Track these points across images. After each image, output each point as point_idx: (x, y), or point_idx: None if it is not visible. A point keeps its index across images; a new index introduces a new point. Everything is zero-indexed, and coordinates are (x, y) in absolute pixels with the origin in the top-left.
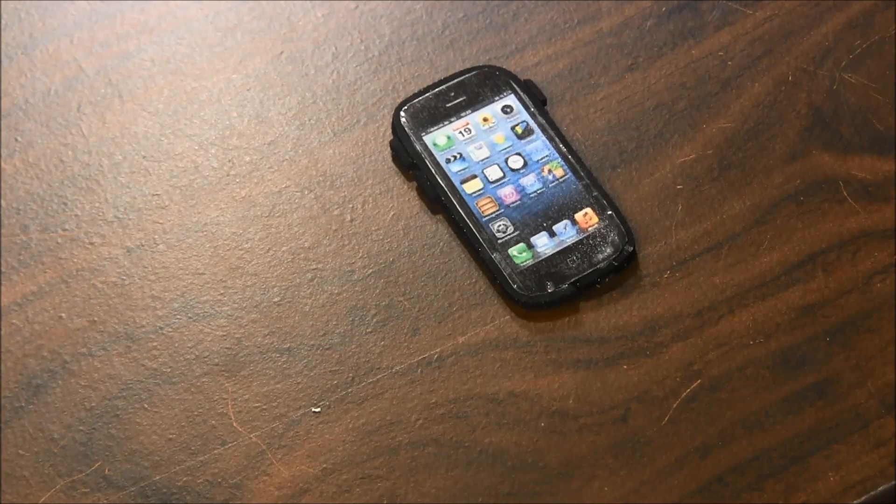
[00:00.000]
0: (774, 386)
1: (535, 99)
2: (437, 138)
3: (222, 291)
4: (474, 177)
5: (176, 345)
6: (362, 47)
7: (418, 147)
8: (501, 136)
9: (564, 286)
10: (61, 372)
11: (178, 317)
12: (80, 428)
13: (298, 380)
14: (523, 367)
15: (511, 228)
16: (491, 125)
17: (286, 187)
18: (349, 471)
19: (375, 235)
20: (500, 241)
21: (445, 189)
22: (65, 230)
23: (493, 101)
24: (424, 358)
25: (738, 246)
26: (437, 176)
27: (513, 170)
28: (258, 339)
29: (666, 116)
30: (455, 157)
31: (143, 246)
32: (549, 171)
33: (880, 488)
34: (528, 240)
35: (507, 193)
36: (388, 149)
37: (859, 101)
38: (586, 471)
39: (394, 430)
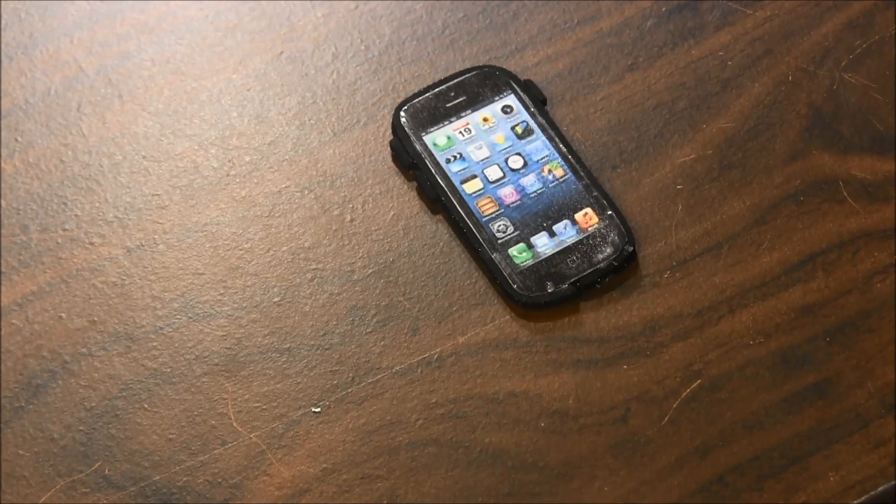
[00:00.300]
0: (774, 386)
1: (535, 99)
2: (437, 138)
3: (222, 291)
4: (474, 177)
5: (176, 345)
6: (362, 47)
7: (418, 147)
8: (501, 136)
9: (564, 286)
10: (61, 372)
11: (178, 317)
12: (80, 428)
13: (298, 380)
14: (523, 367)
15: (511, 228)
16: (491, 125)
17: (286, 187)
18: (349, 471)
19: (375, 235)
20: (500, 241)
21: (445, 189)
22: (65, 230)
23: (493, 101)
24: (424, 358)
25: (738, 246)
26: (437, 176)
27: (513, 170)
28: (258, 339)
29: (666, 116)
30: (455, 157)
31: (143, 246)
32: (549, 171)
33: (880, 488)
34: (528, 240)
35: (507, 193)
36: (388, 149)
37: (859, 101)
38: (586, 471)
39: (394, 430)
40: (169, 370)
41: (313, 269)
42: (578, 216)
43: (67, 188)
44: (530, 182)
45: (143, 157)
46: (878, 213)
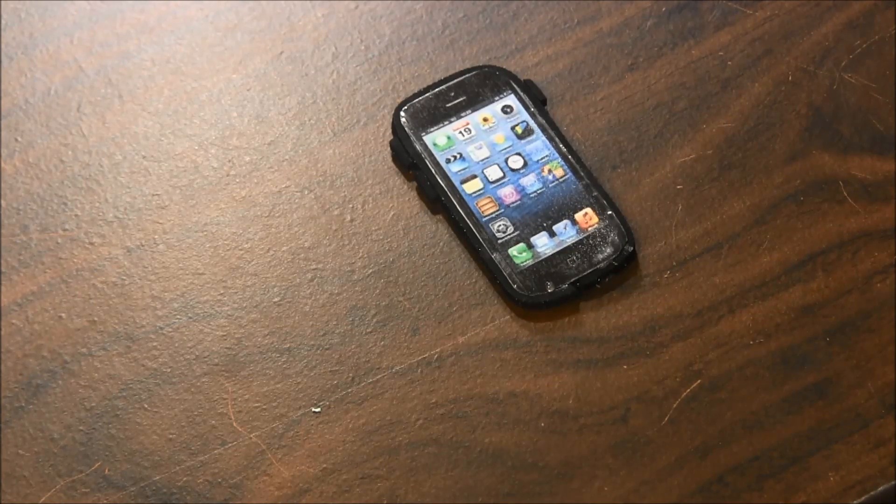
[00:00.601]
0: (774, 386)
1: (535, 99)
2: (437, 138)
3: (222, 291)
4: (474, 177)
5: (176, 345)
6: (362, 47)
7: (418, 147)
8: (501, 136)
9: (564, 286)
10: (61, 372)
11: (178, 317)
12: (80, 428)
13: (298, 380)
14: (523, 367)
15: (511, 228)
16: (491, 125)
17: (286, 187)
18: (349, 471)
19: (375, 235)
20: (500, 241)
21: (445, 189)
22: (65, 230)
23: (493, 101)
24: (424, 358)
25: (738, 246)
26: (437, 176)
27: (513, 170)
28: (258, 339)
29: (666, 116)
30: (455, 157)
31: (143, 246)
32: (549, 171)
33: (880, 488)
34: (528, 240)
35: (507, 193)
36: (388, 149)
37: (859, 101)
38: (586, 471)
39: (394, 430)
40: (169, 370)
41: (313, 269)
42: (578, 216)
43: (67, 188)
44: (530, 182)
45: (143, 157)
46: (878, 213)
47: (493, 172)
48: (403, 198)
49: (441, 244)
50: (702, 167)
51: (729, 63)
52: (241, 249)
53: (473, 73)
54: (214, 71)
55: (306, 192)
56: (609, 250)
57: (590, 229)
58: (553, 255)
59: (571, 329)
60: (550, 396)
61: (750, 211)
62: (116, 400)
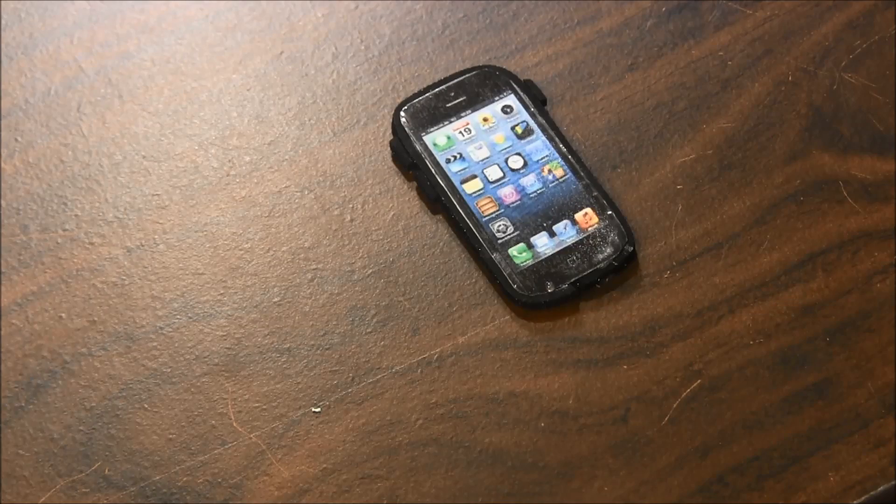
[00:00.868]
0: (774, 386)
1: (535, 99)
2: (437, 138)
3: (222, 291)
4: (474, 177)
5: (176, 345)
6: (362, 47)
7: (418, 147)
8: (501, 136)
9: (564, 286)
10: (61, 372)
11: (178, 317)
12: (80, 428)
13: (298, 380)
14: (523, 367)
15: (511, 228)
16: (491, 125)
17: (286, 187)
18: (349, 471)
19: (375, 235)
20: (500, 241)
21: (445, 189)
22: (65, 230)
23: (493, 101)
24: (424, 358)
25: (738, 246)
26: (437, 176)
27: (513, 170)
28: (258, 339)
29: (666, 116)
30: (455, 157)
31: (143, 246)
32: (549, 171)
33: (880, 488)
34: (528, 240)
35: (507, 193)
36: (388, 149)
37: (859, 101)
38: (586, 471)
39: (394, 430)
40: (169, 370)
41: (313, 269)
42: (578, 216)
43: (67, 188)
44: (530, 182)
45: (143, 157)
46: (878, 213)
47: (493, 172)
48: (403, 198)
49: (441, 244)
50: (702, 167)
51: (729, 63)
52: (241, 249)
53: (473, 73)
54: (214, 71)
55: (306, 192)
56: (609, 250)
57: (590, 229)
58: (553, 255)
59: (571, 329)
60: (550, 396)
61: (750, 211)
62: (116, 400)
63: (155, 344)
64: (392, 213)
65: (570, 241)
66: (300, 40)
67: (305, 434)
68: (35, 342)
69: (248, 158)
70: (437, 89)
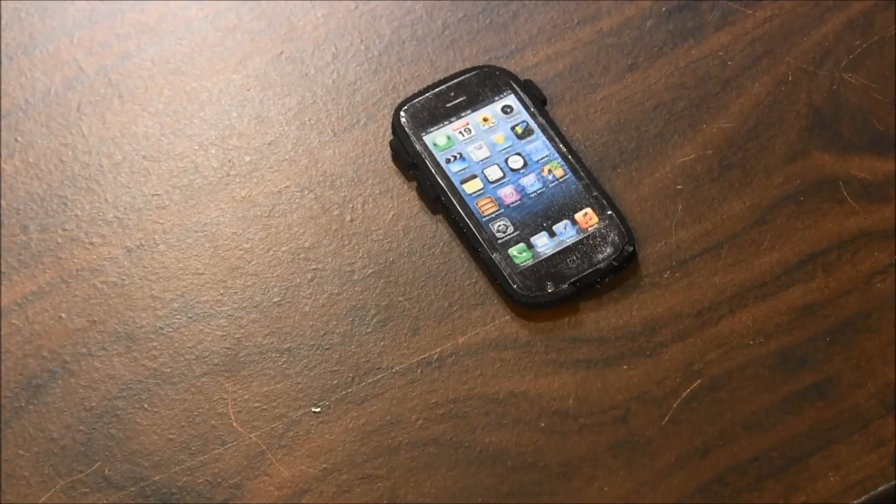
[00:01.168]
0: (774, 386)
1: (535, 99)
2: (437, 138)
3: (222, 291)
4: (474, 177)
5: (176, 345)
6: (362, 47)
7: (418, 147)
8: (501, 136)
9: (564, 286)
10: (61, 372)
11: (178, 317)
12: (80, 428)
13: (298, 380)
14: (523, 367)
15: (511, 228)
16: (491, 125)
17: (286, 187)
18: (349, 471)
19: (375, 235)
20: (500, 241)
21: (445, 189)
22: (65, 230)
23: (493, 101)
24: (424, 358)
25: (738, 246)
26: (437, 176)
27: (513, 170)
28: (258, 339)
29: (666, 116)
30: (455, 157)
31: (143, 246)
32: (549, 171)
33: (880, 488)
34: (528, 240)
35: (507, 193)
36: (388, 149)
37: (859, 101)
38: (586, 471)
39: (394, 430)
40: (169, 370)
41: (313, 269)
42: (578, 216)
43: (67, 188)
44: (530, 182)
45: (143, 157)
46: (878, 213)
47: (493, 172)
48: (403, 198)
49: (441, 244)
50: (702, 167)
51: (729, 63)
52: (241, 249)
53: (473, 73)
54: (214, 71)
55: (306, 192)
56: (609, 250)
57: (590, 229)
58: (553, 255)
59: (571, 329)
60: (550, 396)
61: (750, 211)
62: (116, 400)
63: (155, 344)
64: (392, 213)
65: (570, 241)
66: (300, 40)
67: (305, 434)
68: (35, 342)
69: (248, 158)
70: (437, 89)
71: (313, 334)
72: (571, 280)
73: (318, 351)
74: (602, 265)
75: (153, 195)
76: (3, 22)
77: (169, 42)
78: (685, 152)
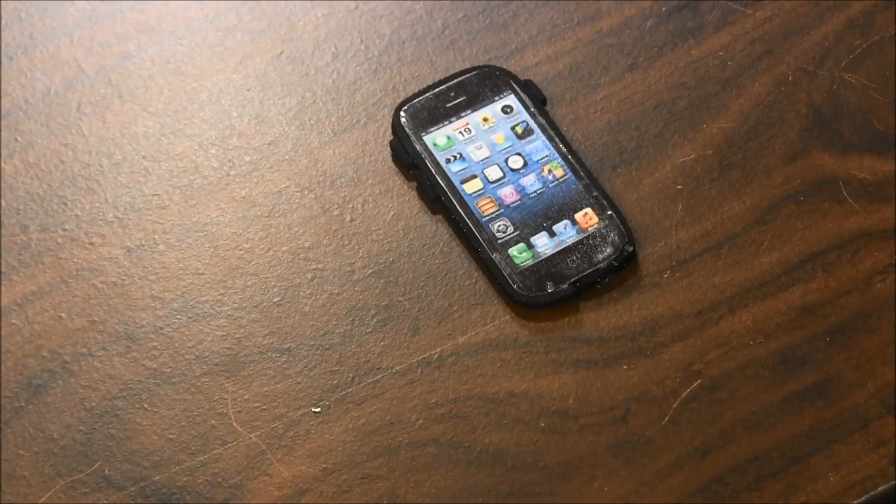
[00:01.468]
0: (774, 386)
1: (535, 99)
2: (437, 138)
3: (222, 291)
4: (474, 177)
5: (176, 345)
6: (362, 47)
7: (418, 147)
8: (501, 136)
9: (564, 286)
10: (61, 372)
11: (178, 317)
12: (80, 428)
13: (298, 380)
14: (523, 367)
15: (511, 228)
16: (491, 125)
17: (286, 187)
18: (349, 471)
19: (375, 235)
20: (500, 241)
21: (445, 189)
22: (65, 230)
23: (493, 101)
24: (424, 358)
25: (738, 246)
26: (437, 176)
27: (513, 170)
28: (258, 339)
29: (666, 116)
30: (455, 157)
31: (143, 246)
32: (549, 171)
33: (880, 488)
34: (528, 240)
35: (507, 193)
36: (388, 149)
37: (859, 101)
38: (586, 471)
39: (394, 430)
40: (169, 370)
41: (313, 269)
42: (578, 216)
43: (67, 188)
44: (530, 182)
45: (143, 157)
46: (878, 213)
47: (493, 172)
48: (403, 198)
49: (441, 244)
50: (702, 167)
51: (729, 63)
52: (241, 249)
53: (473, 73)
54: (214, 71)
55: (306, 192)
56: (609, 250)
57: (590, 229)
58: (553, 255)
59: (571, 329)
60: (550, 396)
61: (750, 211)
62: (116, 400)
63: (155, 344)
64: (392, 213)
65: (570, 241)
66: (300, 40)
67: (305, 434)
68: (35, 342)
69: (248, 158)
70: (437, 89)
71: (313, 334)
72: (571, 280)
73: (318, 351)
74: (602, 265)
75: (153, 195)
76: (3, 22)
77: (169, 42)
78: (685, 152)
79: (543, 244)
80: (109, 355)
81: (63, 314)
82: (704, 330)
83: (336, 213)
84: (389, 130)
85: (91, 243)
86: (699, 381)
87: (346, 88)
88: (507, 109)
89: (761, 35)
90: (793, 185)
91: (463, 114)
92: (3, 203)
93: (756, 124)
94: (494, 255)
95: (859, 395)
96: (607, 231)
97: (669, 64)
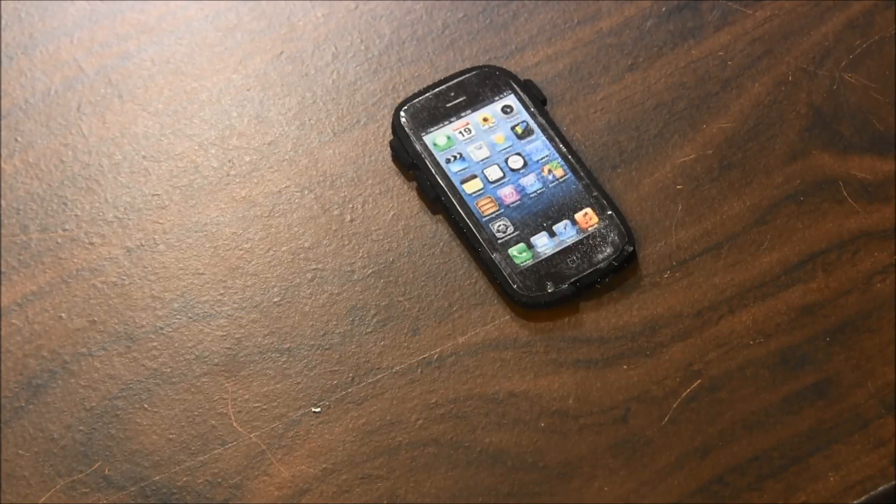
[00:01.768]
0: (774, 386)
1: (535, 99)
2: (437, 138)
3: (222, 291)
4: (474, 177)
5: (176, 345)
6: (362, 47)
7: (418, 147)
8: (501, 136)
9: (564, 286)
10: (61, 372)
11: (178, 317)
12: (80, 428)
13: (298, 380)
14: (523, 367)
15: (511, 228)
16: (491, 125)
17: (286, 187)
18: (349, 471)
19: (375, 235)
20: (500, 241)
21: (445, 189)
22: (65, 230)
23: (493, 101)
24: (424, 358)
25: (738, 246)
26: (437, 176)
27: (513, 170)
28: (258, 339)
29: (666, 116)
30: (455, 157)
31: (143, 246)
32: (549, 171)
33: (880, 488)
34: (528, 240)
35: (507, 193)
36: (388, 149)
37: (859, 101)
38: (586, 471)
39: (394, 430)
40: (169, 370)
41: (313, 269)
42: (578, 216)
43: (67, 188)
44: (530, 182)
45: (143, 157)
46: (878, 213)
47: (493, 172)
48: (403, 198)
49: (441, 244)
50: (702, 167)
51: (729, 63)
52: (241, 249)
53: (473, 73)
54: (214, 71)
55: (306, 192)
56: (609, 250)
57: (590, 229)
58: (553, 255)
59: (571, 329)
60: (550, 396)
61: (750, 211)
62: (116, 400)
63: (155, 344)
64: (392, 213)
65: (570, 241)
66: (300, 40)
67: (305, 434)
68: (35, 342)
69: (248, 158)
70: (437, 89)
71: (313, 334)
72: (571, 280)
73: (318, 351)
74: (602, 265)
75: (153, 195)
76: (3, 22)
77: (169, 42)
78: (685, 152)
79: (543, 244)
80: (109, 355)
81: (63, 314)
82: (704, 330)
83: (336, 213)
84: (389, 130)
85: (91, 243)
86: (699, 381)
87: (346, 88)
88: (507, 109)
89: (761, 35)
90: (793, 185)
91: (463, 114)
92: (3, 203)
93: (756, 124)
94: (494, 255)
95: (859, 395)
96: (607, 231)
97: (669, 64)
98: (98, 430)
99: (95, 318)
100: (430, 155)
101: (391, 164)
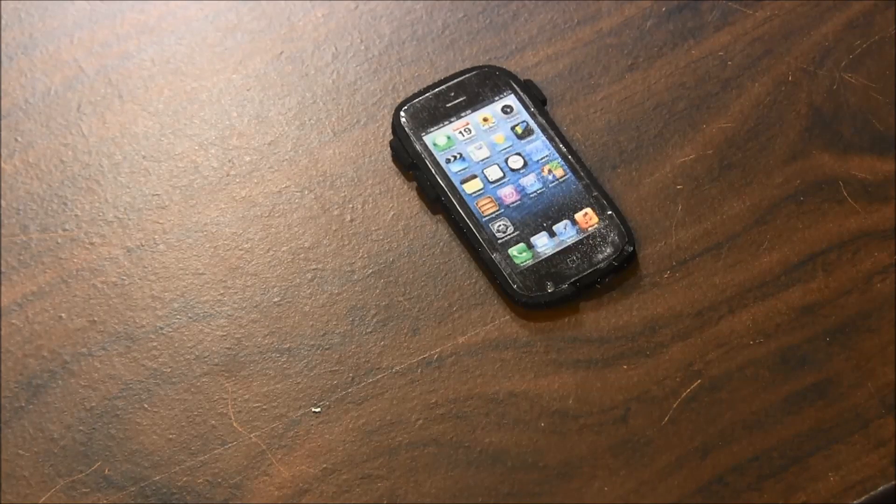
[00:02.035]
0: (774, 386)
1: (535, 99)
2: (437, 138)
3: (222, 291)
4: (474, 177)
5: (176, 345)
6: (362, 47)
7: (418, 147)
8: (501, 136)
9: (564, 286)
10: (61, 372)
11: (178, 317)
12: (80, 428)
13: (298, 380)
14: (523, 367)
15: (511, 228)
16: (491, 125)
17: (286, 187)
18: (349, 471)
19: (375, 235)
20: (500, 241)
21: (445, 189)
22: (65, 230)
23: (493, 101)
24: (424, 358)
25: (738, 246)
26: (437, 176)
27: (513, 170)
28: (258, 339)
29: (666, 116)
30: (455, 157)
31: (143, 246)
32: (549, 171)
33: (880, 488)
34: (528, 240)
35: (507, 193)
36: (388, 149)
37: (859, 101)
38: (586, 471)
39: (394, 430)
40: (169, 370)
41: (313, 269)
42: (578, 216)
43: (67, 188)
44: (530, 182)
45: (143, 157)
46: (878, 213)
47: (493, 172)
48: (403, 198)
49: (441, 244)
50: (702, 167)
51: (729, 63)
52: (241, 249)
53: (473, 73)
54: (214, 71)
55: (306, 192)
56: (609, 250)
57: (590, 229)
58: (553, 255)
59: (571, 329)
60: (550, 396)
61: (750, 211)
62: (116, 400)
63: (155, 344)
64: (392, 213)
65: (570, 241)
66: (300, 40)
67: (305, 434)
68: (35, 342)
69: (248, 158)
70: (437, 89)
71: (313, 334)
72: (571, 280)
73: (318, 351)
74: (602, 265)
75: (153, 195)
76: (3, 22)
77: (169, 42)
78: (685, 152)
79: (543, 244)
80: (109, 355)
81: (63, 314)
82: (704, 330)
83: (336, 213)
84: (389, 130)
85: (91, 243)
86: (699, 381)
87: (346, 88)
88: (507, 109)
89: (761, 35)
90: (793, 185)
91: (463, 114)
92: (3, 203)
93: (756, 124)
94: (494, 255)
95: (859, 395)
96: (607, 231)
97: (669, 64)
98: (98, 430)
99: (95, 318)
100: (430, 155)
101: (391, 164)
